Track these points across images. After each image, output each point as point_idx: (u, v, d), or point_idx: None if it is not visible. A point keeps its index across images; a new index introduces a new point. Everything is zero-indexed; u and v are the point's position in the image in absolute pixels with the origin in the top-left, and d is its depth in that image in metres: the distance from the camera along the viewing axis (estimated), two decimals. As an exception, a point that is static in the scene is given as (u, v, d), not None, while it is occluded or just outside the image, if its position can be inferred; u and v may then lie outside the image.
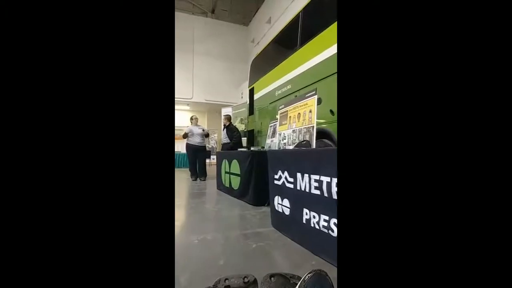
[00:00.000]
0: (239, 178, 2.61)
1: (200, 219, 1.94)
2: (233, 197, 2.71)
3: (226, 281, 0.76)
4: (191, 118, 4.56)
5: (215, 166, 3.65)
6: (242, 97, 7.45)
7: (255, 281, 0.77)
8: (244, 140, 4.99)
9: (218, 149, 8.38)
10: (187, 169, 4.72)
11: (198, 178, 4.48)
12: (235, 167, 2.72)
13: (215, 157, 8.69)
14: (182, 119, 10.06)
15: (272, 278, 0.77)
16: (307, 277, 0.60)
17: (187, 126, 4.57)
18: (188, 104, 9.30)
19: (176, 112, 10.43)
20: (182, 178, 4.91)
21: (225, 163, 3.10)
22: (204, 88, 8.57)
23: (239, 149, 3.13)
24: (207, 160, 5.09)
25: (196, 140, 4.41)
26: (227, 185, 2.96)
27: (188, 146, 4.43)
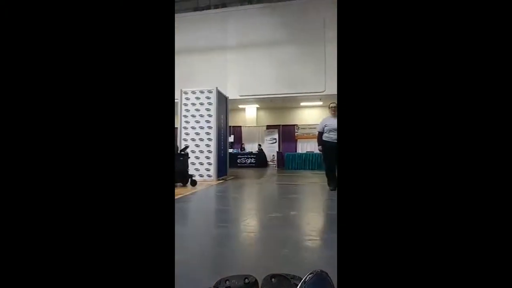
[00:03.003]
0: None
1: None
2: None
3: (227, 282, 0.75)
4: (329, 107, 3.47)
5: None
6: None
7: (256, 282, 0.76)
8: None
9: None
10: (323, 173, 3.74)
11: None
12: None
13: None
14: (314, 116, 9.33)
15: (273, 279, 0.75)
16: (307, 278, 0.59)
17: (322, 119, 3.60)
18: (320, 99, 8.39)
19: (307, 109, 9.95)
20: (316, 185, 4.00)
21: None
22: (338, 78, 7.34)
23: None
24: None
25: (333, 136, 3.33)
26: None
27: (323, 143, 3.39)
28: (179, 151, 4.44)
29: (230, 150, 7.55)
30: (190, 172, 4.31)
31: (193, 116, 4.97)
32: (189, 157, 4.47)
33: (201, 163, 4.90)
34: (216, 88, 5.02)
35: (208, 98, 4.95)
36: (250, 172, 6.98)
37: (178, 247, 1.50)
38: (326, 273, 0.58)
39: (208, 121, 4.92)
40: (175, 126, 6.17)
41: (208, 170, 4.88)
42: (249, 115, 10.09)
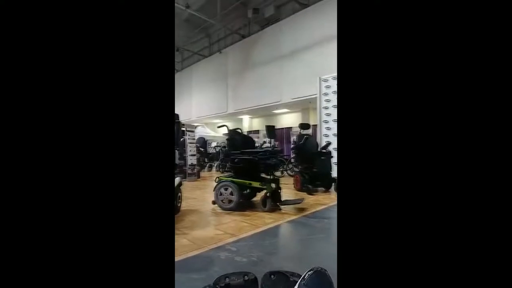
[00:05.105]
0: None
1: None
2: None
3: (227, 279, 0.75)
4: None
5: None
6: None
7: (255, 279, 0.77)
8: None
9: None
10: None
11: None
12: None
13: None
14: None
15: (272, 276, 0.77)
16: (307, 275, 0.60)
17: None
18: None
19: None
20: None
21: None
22: None
23: None
24: None
25: None
26: None
27: None
28: (319, 149, 3.80)
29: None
30: (333, 175, 3.57)
31: (335, 106, 4.18)
32: (332, 156, 3.73)
33: (347, 163, 4.03)
34: (363, 67, 3.95)
35: (353, 82, 3.99)
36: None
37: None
38: (325, 270, 0.59)
39: (354, 111, 3.97)
40: (315, 123, 5.65)
41: (356, 171, 3.94)
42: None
